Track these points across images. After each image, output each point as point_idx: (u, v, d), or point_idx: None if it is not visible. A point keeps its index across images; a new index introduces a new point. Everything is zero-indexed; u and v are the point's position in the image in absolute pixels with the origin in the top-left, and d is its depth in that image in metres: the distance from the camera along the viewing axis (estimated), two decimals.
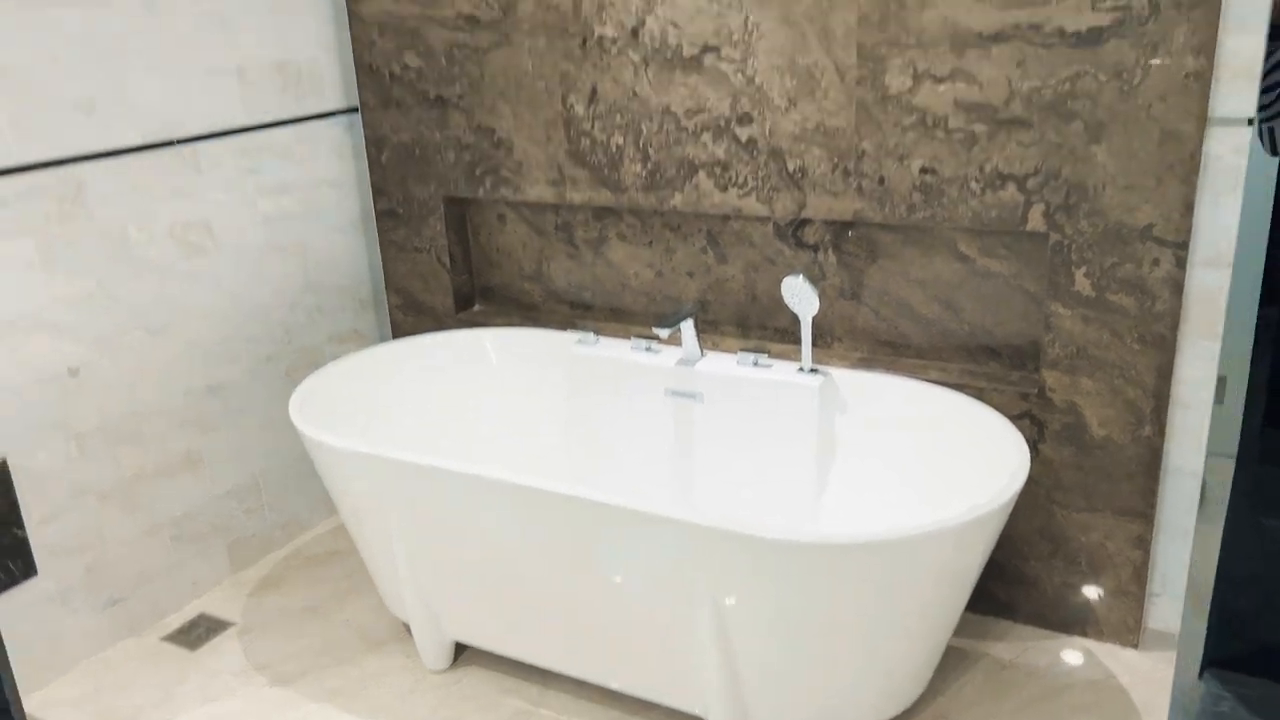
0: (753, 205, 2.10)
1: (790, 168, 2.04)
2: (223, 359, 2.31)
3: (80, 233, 1.99)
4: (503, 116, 2.31)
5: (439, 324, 2.59)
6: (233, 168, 2.26)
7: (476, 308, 2.61)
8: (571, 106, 2.22)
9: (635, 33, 2.10)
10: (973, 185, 1.88)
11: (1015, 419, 1.95)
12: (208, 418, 2.30)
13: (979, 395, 1.97)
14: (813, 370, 2.06)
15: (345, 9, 2.43)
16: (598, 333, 2.36)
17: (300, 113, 2.41)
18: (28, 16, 1.84)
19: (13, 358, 1.91)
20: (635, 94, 2.14)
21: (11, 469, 1.92)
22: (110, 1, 1.97)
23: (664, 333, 1.99)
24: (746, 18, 1.98)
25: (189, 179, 2.18)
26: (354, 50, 2.45)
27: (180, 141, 2.14)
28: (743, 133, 2.06)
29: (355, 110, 2.53)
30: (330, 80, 2.46)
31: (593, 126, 2.21)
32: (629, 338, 2.33)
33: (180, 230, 2.18)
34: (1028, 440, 1.94)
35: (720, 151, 2.10)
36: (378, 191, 2.57)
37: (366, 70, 2.45)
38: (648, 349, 2.23)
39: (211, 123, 2.20)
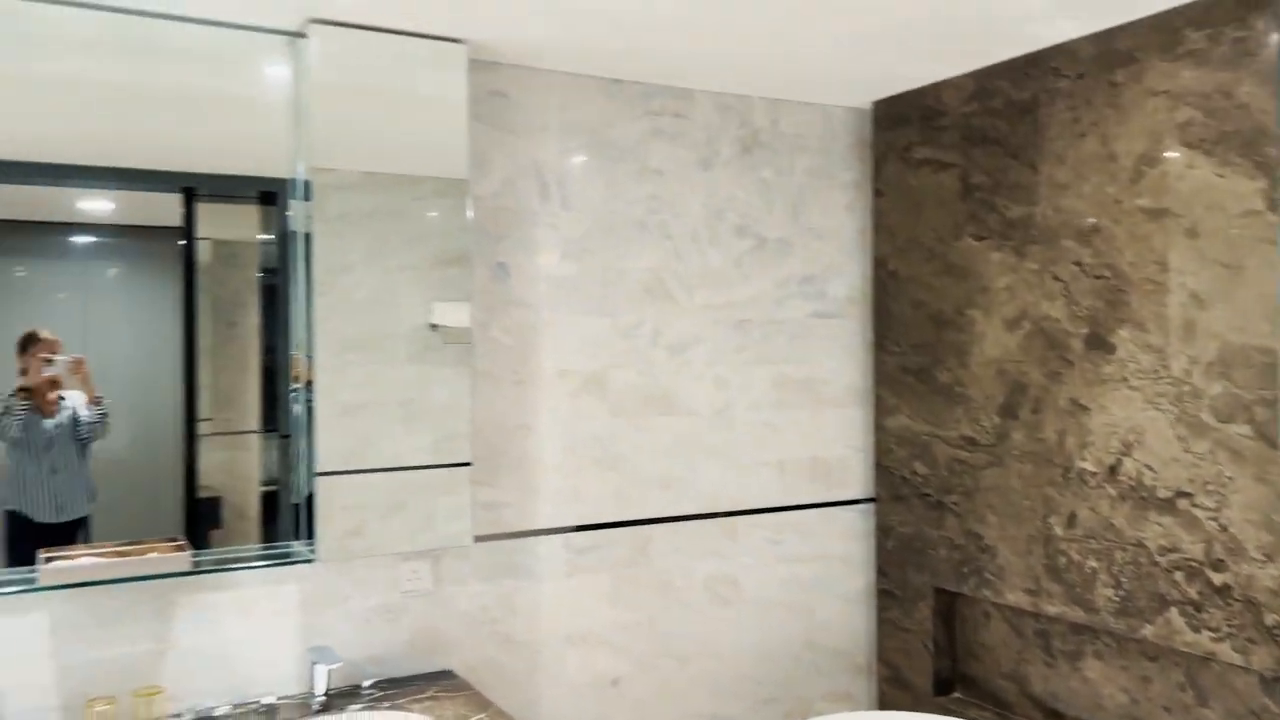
0: (1227, 652, 2.06)
1: (1268, 622, 1.99)
2: (731, 693, 2.79)
3: (641, 576, 2.67)
4: (990, 525, 2.58)
5: (917, 702, 2.79)
6: (761, 538, 2.84)
7: (955, 694, 2.77)
8: (1051, 526, 2.42)
9: (1113, 470, 2.27)
10: None
11: None
12: None
13: None
14: None
15: (873, 422, 2.96)
16: None
17: (825, 499, 2.93)
18: (642, 421, 2.65)
19: (582, 662, 2.59)
20: (1110, 524, 2.28)
21: None
22: (697, 414, 2.74)
23: None
24: (1220, 471, 2.06)
25: (725, 544, 2.78)
26: (875, 453, 2.95)
27: (724, 514, 2.78)
28: (1216, 578, 2.07)
29: (872, 501, 2.99)
30: (854, 475, 2.97)
31: (1069, 547, 2.37)
32: None
33: (713, 583, 2.77)
34: None
35: (1193, 592, 2.12)
36: (880, 572, 2.95)
37: (884, 471, 2.92)
38: None
39: (751, 502, 2.82)
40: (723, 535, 2.79)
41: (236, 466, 2.25)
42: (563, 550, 2.56)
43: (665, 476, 2.70)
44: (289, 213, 2.22)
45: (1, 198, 2.04)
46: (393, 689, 2.26)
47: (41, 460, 2.07)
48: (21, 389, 2.04)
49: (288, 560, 2.19)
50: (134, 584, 2.05)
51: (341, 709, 2.15)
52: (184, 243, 2.18)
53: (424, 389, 2.26)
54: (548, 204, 2.54)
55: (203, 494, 2.20)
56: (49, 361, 2.04)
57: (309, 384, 2.17)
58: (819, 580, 2.93)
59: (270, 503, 2.26)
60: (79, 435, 2.09)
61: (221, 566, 2.14)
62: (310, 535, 2.16)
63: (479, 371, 2.44)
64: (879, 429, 2.95)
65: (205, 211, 2.20)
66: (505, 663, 2.49)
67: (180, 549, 2.08)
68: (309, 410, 2.17)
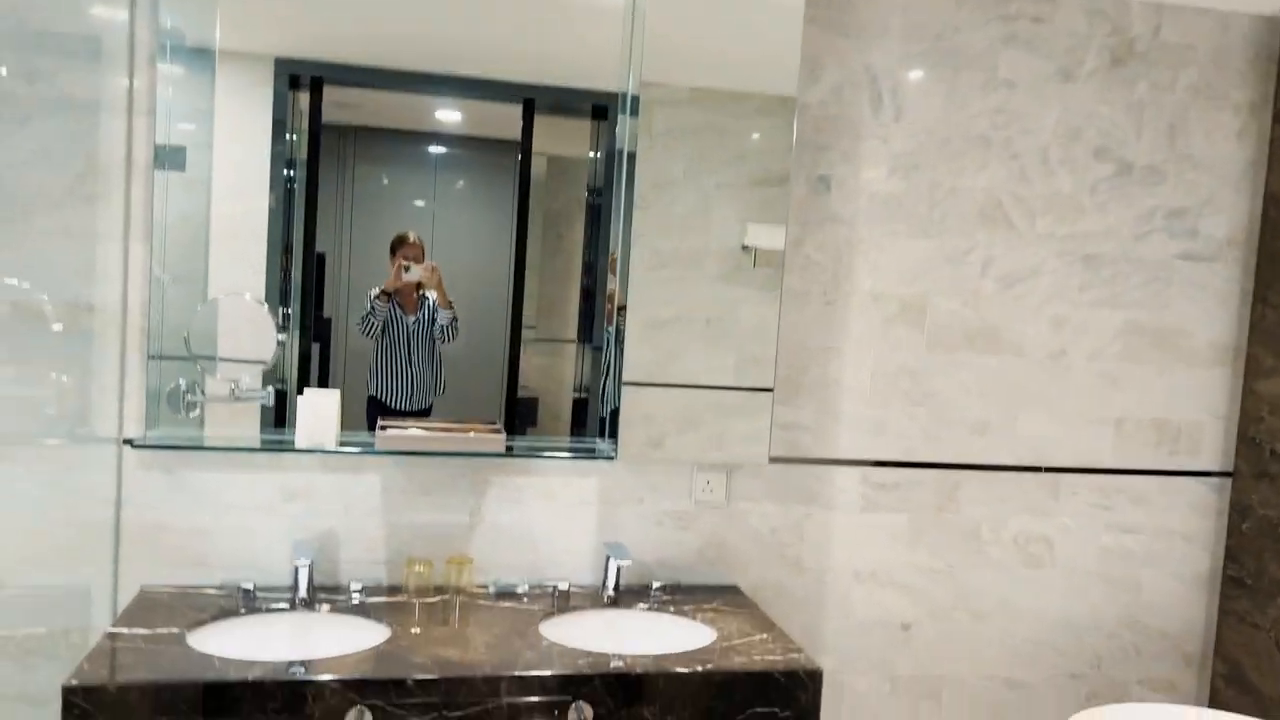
0: None
1: None
2: (1029, 659, 2.57)
3: (945, 522, 2.49)
4: None
5: (1263, 709, 2.42)
6: (1087, 501, 2.55)
7: None
8: None
9: None
10: None
11: None
12: (999, 706, 2.57)
13: None
14: None
15: (1241, 385, 2.55)
16: None
17: (1169, 467, 2.58)
18: (961, 357, 2.45)
19: (870, 600, 2.48)
20: None
21: (836, 686, 2.47)
22: (1025, 356, 2.48)
23: None
24: None
25: (1044, 501, 2.53)
26: (1240, 422, 2.54)
27: (1046, 470, 2.52)
28: None
29: (1228, 475, 2.59)
30: (1209, 444, 2.59)
31: None
32: None
33: (1024, 541, 2.54)
34: None
35: None
36: (1230, 557, 2.56)
37: (1248, 442, 2.51)
38: None
39: (1078, 460, 2.54)
40: (1042, 492, 2.54)
41: (554, 372, 2.34)
42: (860, 483, 2.45)
43: (981, 421, 2.49)
44: (617, 128, 2.24)
45: (371, 105, 2.22)
46: (679, 595, 2.28)
47: (400, 354, 2.26)
48: (383, 292, 2.22)
49: (591, 455, 2.26)
50: (454, 459, 2.21)
51: (629, 605, 2.21)
52: (520, 156, 2.26)
53: (731, 309, 2.23)
54: (879, 114, 2.37)
55: (522, 394, 2.31)
56: (407, 268, 2.20)
57: (621, 297, 2.21)
58: (1151, 555, 2.60)
59: (580, 409, 2.34)
60: (433, 335, 2.25)
61: (531, 453, 2.25)
62: (613, 437, 2.21)
63: (786, 289, 2.35)
64: (1248, 394, 2.53)
65: (542, 125, 2.26)
66: (791, 587, 2.43)
67: (497, 432, 2.21)
68: (619, 323, 2.21)
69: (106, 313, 2.06)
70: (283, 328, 2.17)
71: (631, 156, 2.19)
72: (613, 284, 2.27)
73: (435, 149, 2.26)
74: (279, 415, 2.16)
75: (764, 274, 2.25)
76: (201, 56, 2.07)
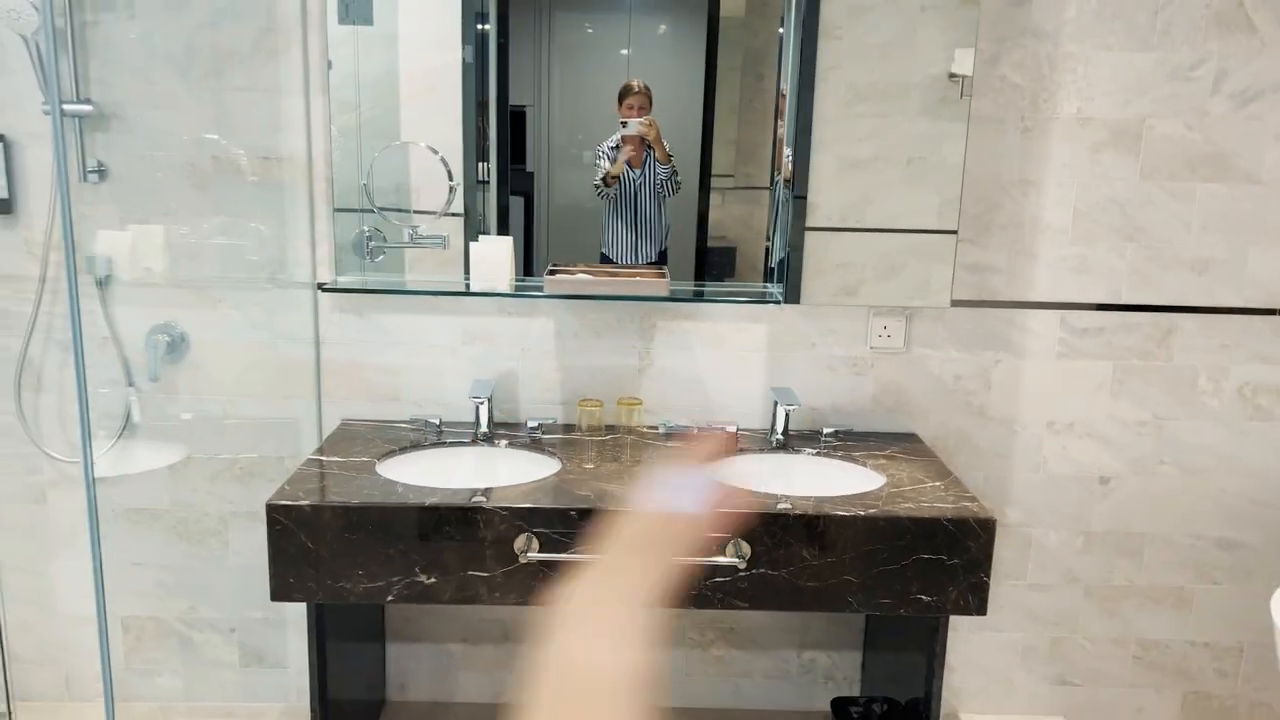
0: None
1: None
2: (1249, 521, 2.35)
3: (1155, 370, 2.28)
4: None
5: None
6: None
7: None
8: None
9: None
10: None
11: None
12: (1208, 566, 2.38)
13: None
14: None
15: None
16: None
17: None
18: (1181, 186, 2.18)
19: (1063, 453, 2.33)
20: None
21: (1023, 538, 2.36)
22: (1262, 184, 2.17)
23: None
24: None
25: (1276, 348, 2.25)
26: None
27: None
28: None
29: None
30: None
31: None
32: None
33: (1252, 391, 2.28)
34: None
35: None
36: None
37: None
38: None
39: None
40: (1276, 337, 2.26)
41: (752, 220, 2.28)
42: (1058, 328, 2.26)
43: (1203, 258, 2.22)
44: None
45: None
46: (850, 440, 2.23)
47: (626, 209, 2.27)
48: (616, 148, 2.22)
49: (759, 299, 2.21)
50: (623, 303, 2.21)
51: (797, 450, 2.18)
52: None
53: (935, 146, 2.07)
54: None
55: (720, 244, 2.27)
56: (624, 123, 2.16)
57: (801, 132, 2.10)
58: None
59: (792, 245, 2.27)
60: (657, 190, 2.23)
61: (693, 297, 2.22)
62: (783, 280, 2.15)
63: (978, 116, 2.14)
64: None
65: None
66: (975, 436, 2.32)
67: (660, 276, 2.19)
68: (791, 165, 2.10)
69: (295, 164, 2.17)
70: (482, 181, 2.22)
71: None
72: (783, 118, 2.15)
73: None
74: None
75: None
76: None
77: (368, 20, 2.22)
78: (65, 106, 2.09)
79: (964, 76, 2.06)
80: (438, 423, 2.22)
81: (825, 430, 2.24)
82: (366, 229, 2.21)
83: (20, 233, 2.19)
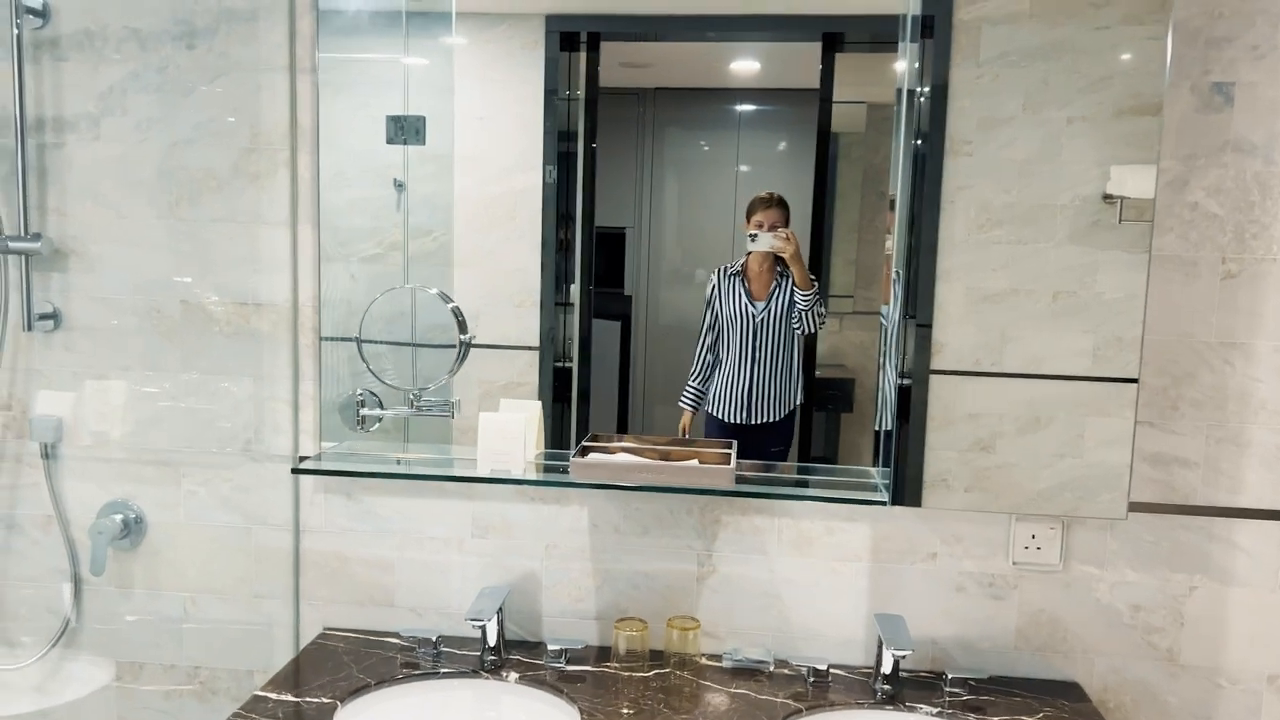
0: None
1: None
2: None
3: None
4: None
5: None
6: None
7: None
8: None
9: None
10: None
11: None
12: None
13: None
14: None
15: None
16: None
17: None
18: None
19: None
20: None
21: None
22: None
23: None
24: None
25: None
26: None
27: None
28: None
29: None
30: None
31: None
32: None
33: None
34: None
35: None
36: None
37: None
38: None
39: None
40: None
41: (873, 348, 1.81)
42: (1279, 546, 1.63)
43: None
44: (921, 62, 1.63)
45: (657, 62, 1.90)
46: (985, 692, 1.62)
47: (743, 355, 1.80)
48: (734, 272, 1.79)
49: (856, 500, 1.65)
50: (674, 491, 1.69)
51: (910, 707, 1.58)
52: (821, 103, 1.83)
53: (1086, 279, 1.55)
54: None
55: (836, 374, 1.86)
56: (753, 236, 1.74)
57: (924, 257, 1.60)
58: None
59: (904, 395, 1.79)
60: (794, 324, 1.77)
61: (763, 492, 1.68)
62: (888, 462, 1.60)
63: (1160, 255, 1.59)
64: None
65: (846, 66, 1.83)
66: (1162, 691, 1.68)
67: (725, 458, 1.67)
68: (911, 291, 1.60)
69: (278, 312, 1.77)
70: (562, 303, 1.86)
71: (944, 88, 1.57)
72: (892, 239, 1.67)
73: (737, 106, 1.90)
74: (559, 392, 1.82)
75: (1135, 232, 1.54)
76: (439, 20, 1.78)
77: (419, 139, 1.87)
78: (10, 244, 1.75)
79: (1123, 198, 1.53)
80: (435, 640, 1.72)
81: (950, 676, 1.64)
82: (360, 392, 1.77)
83: None
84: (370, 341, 1.75)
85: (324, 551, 1.82)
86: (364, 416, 1.77)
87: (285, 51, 1.72)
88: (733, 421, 1.79)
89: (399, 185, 1.88)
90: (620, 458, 1.68)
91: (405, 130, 1.87)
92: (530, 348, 1.86)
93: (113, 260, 1.79)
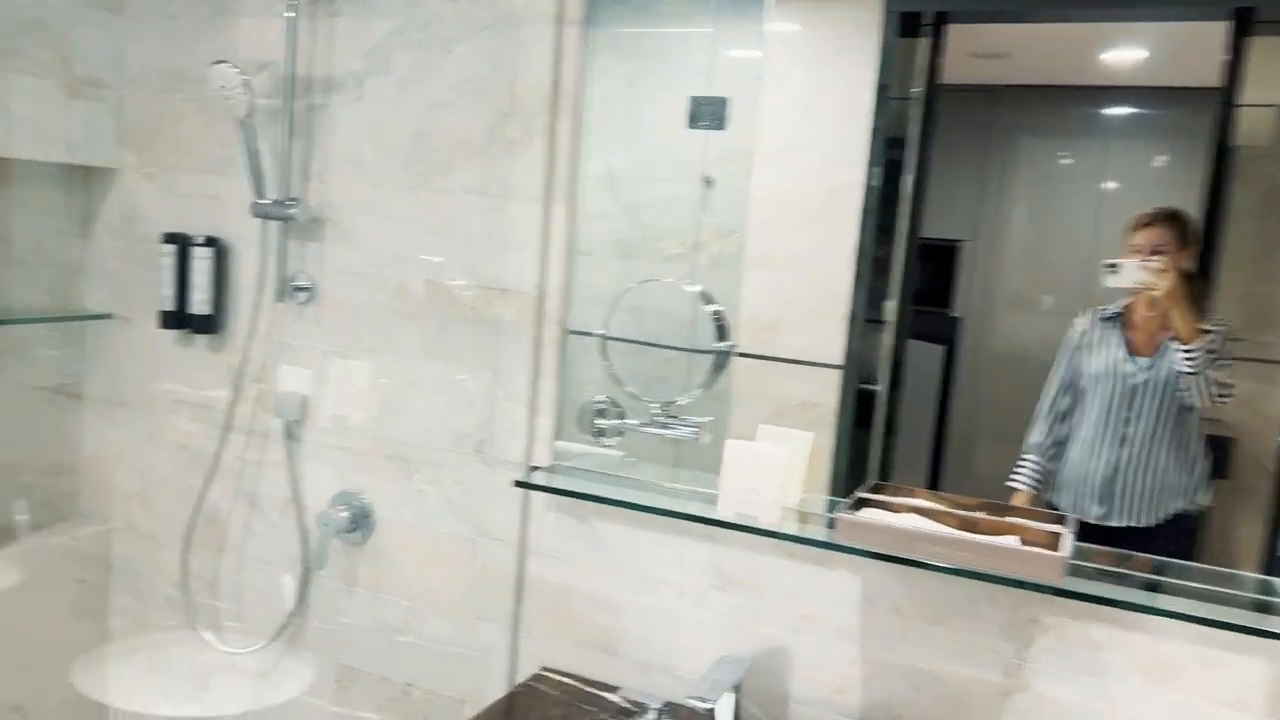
0: None
1: None
2: None
3: None
4: None
5: None
6: None
7: None
8: None
9: None
10: None
11: None
12: None
13: None
14: None
15: None
16: None
17: None
18: None
19: None
20: None
21: None
22: None
23: None
24: None
25: None
26: None
27: None
28: None
29: None
30: None
31: None
32: None
33: None
34: None
35: None
36: None
37: None
38: None
39: None
40: None
41: (1263, 404, 1.36)
42: None
43: None
44: None
45: (1013, 52, 1.60)
46: None
47: (1110, 419, 1.38)
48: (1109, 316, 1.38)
49: (1248, 628, 1.14)
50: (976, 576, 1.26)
51: None
52: (1223, 106, 1.42)
53: None
54: None
55: (1210, 431, 1.40)
56: (1112, 266, 1.32)
57: None
58: None
59: None
60: (1177, 393, 1.34)
61: (1107, 597, 1.20)
62: None
63: None
64: None
65: (1261, 56, 1.40)
66: None
67: (1054, 540, 1.22)
68: None
69: (522, 300, 1.55)
70: (873, 320, 1.54)
71: None
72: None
73: (1105, 109, 1.57)
74: (861, 417, 1.52)
75: None
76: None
77: (719, 125, 1.62)
78: (270, 210, 1.67)
79: None
80: (660, 708, 1.42)
81: None
82: (602, 398, 1.51)
83: (224, 357, 1.80)
84: (618, 340, 1.49)
85: (549, 579, 1.57)
86: (601, 427, 1.50)
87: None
88: (1087, 519, 1.32)
89: (708, 181, 1.62)
90: (907, 520, 1.27)
91: (707, 114, 1.60)
92: (832, 365, 1.53)
93: (365, 232, 1.66)
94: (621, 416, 1.49)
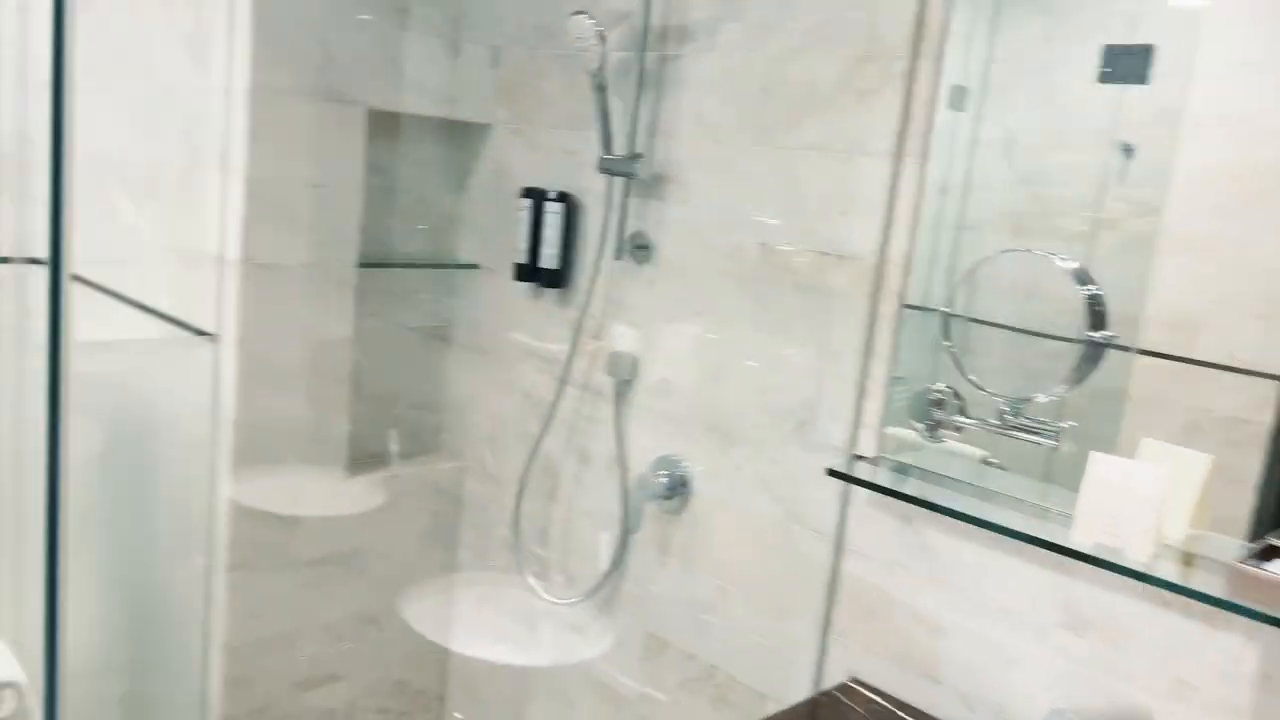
0: None
1: None
2: None
3: None
4: None
5: None
6: None
7: None
8: None
9: None
10: None
11: None
12: None
13: None
14: None
15: None
16: None
17: None
18: None
19: None
20: None
21: None
22: None
23: None
24: None
25: None
26: None
27: None
28: None
29: None
30: None
31: None
32: None
33: None
34: None
35: None
36: None
37: None
38: None
39: None
40: None
41: None
42: None
43: None
44: None
45: None
46: None
47: None
48: None
49: None
50: None
51: None
52: None
53: None
54: None
55: None
56: None
57: None
58: None
59: None
60: None
61: None
62: None
63: None
64: None
65: None
66: None
67: None
68: None
69: (859, 267, 1.39)
70: None
71: None
72: None
73: None
74: None
75: None
76: None
77: (1140, 79, 1.36)
78: (616, 164, 1.64)
79: None
80: None
81: None
82: (942, 387, 1.31)
83: (567, 312, 1.82)
84: (966, 319, 1.28)
85: (866, 582, 1.41)
86: (938, 420, 1.30)
87: None
88: None
89: (1126, 150, 1.36)
90: None
91: (1125, 65, 1.32)
92: (1273, 376, 1.19)
93: (703, 190, 1.58)
94: (962, 411, 1.28)
